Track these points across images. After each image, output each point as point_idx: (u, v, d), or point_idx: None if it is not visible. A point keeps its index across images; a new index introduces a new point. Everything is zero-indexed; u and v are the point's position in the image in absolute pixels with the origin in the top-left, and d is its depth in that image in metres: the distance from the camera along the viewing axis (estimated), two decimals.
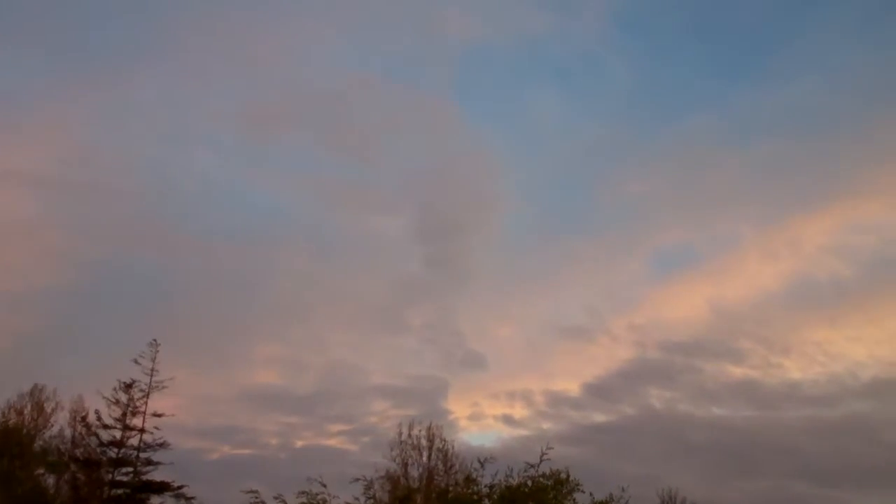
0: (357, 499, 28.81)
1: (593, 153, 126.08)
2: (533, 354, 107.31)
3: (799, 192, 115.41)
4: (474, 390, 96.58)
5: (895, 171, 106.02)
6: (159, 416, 51.63)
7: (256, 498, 27.67)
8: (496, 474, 29.51)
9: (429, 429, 56.50)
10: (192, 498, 50.69)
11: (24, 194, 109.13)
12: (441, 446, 55.36)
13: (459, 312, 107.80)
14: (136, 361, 51.53)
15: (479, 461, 30.02)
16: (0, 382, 62.34)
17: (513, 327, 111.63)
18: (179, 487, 50.84)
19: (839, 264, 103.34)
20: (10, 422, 58.95)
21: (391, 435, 57.21)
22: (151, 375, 51.85)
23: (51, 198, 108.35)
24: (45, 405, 60.80)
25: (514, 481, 29.18)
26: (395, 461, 55.14)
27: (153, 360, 51.95)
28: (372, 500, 29.30)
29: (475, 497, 29.86)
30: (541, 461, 29.28)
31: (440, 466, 54.56)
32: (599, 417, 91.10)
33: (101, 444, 51.51)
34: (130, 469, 51.10)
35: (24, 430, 58.50)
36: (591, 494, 29.79)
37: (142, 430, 51.40)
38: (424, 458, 55.29)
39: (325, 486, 27.49)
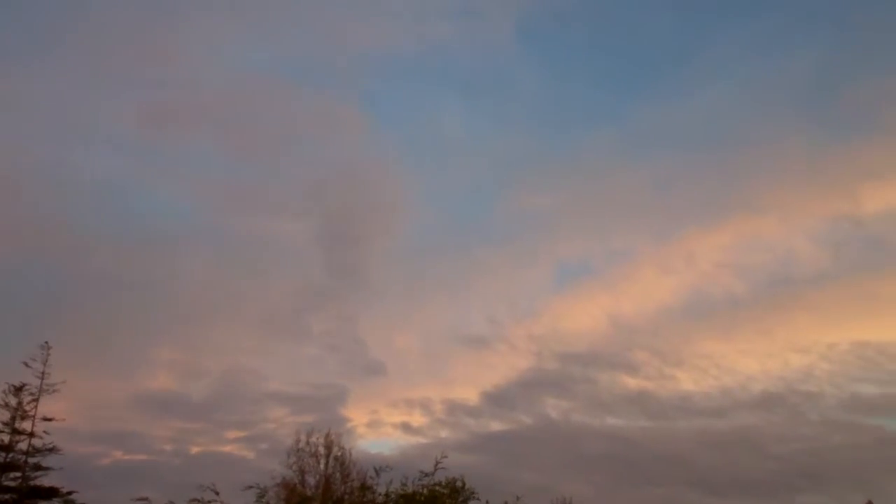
0: None
1: (498, 164, 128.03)
2: (433, 363, 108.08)
3: (695, 208, 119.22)
4: (373, 398, 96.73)
5: (789, 189, 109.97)
6: (49, 420, 50.58)
7: None
8: (391, 483, 29.74)
9: (327, 436, 56.21)
10: None
11: None
12: (339, 454, 55.13)
13: (361, 320, 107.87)
14: (26, 364, 50.34)
15: (375, 469, 30.21)
16: None
17: (414, 335, 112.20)
18: (69, 493, 49.89)
19: (733, 279, 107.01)
20: None
21: (289, 442, 56.72)
22: (42, 378, 50.71)
23: None
24: None
25: (410, 489, 29.42)
26: (291, 469, 54.67)
27: (44, 363, 50.85)
28: None
29: None
30: (435, 469, 29.67)
31: (337, 474, 54.35)
32: (497, 426, 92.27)
33: None
34: (18, 474, 49.75)
35: None
36: (486, 502, 30.31)
37: (31, 435, 50.14)
38: (322, 466, 55.00)
39: (217, 493, 27.32)
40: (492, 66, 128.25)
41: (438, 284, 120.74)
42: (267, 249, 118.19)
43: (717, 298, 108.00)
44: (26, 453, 49.89)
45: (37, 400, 50.39)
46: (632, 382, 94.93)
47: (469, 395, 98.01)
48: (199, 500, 27.12)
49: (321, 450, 55.54)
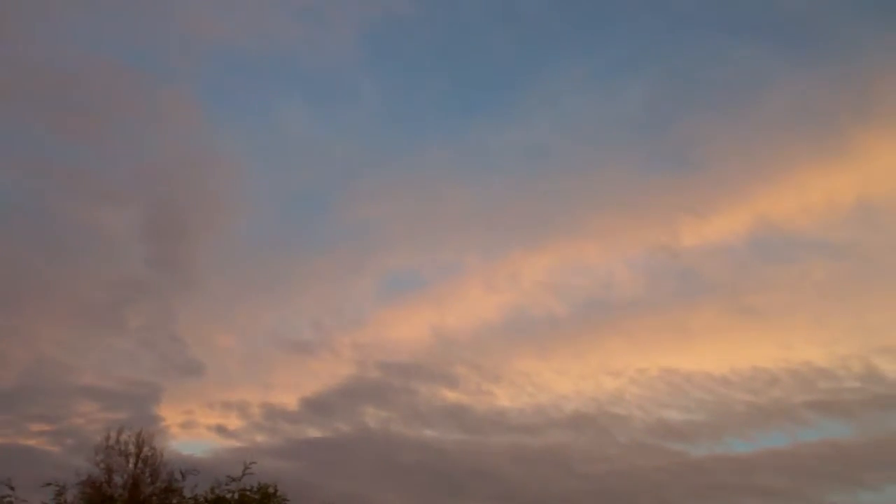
0: None
1: (335, 170, 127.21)
2: (254, 365, 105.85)
3: (522, 229, 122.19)
4: (189, 398, 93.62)
5: (612, 217, 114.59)
6: None
7: None
8: (196, 487, 29.24)
9: (138, 435, 53.97)
10: None
11: None
12: (149, 454, 53.35)
13: (181, 317, 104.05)
14: None
15: (181, 472, 29.63)
16: None
17: (236, 337, 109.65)
18: None
19: (554, 300, 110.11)
20: None
21: (98, 439, 54.42)
22: None
23: None
24: None
25: (218, 494, 28.95)
26: (99, 467, 52.47)
27: None
28: None
29: None
30: (243, 474, 29.39)
31: (147, 475, 52.59)
32: (314, 433, 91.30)
33: None
34: None
35: None
36: None
37: None
38: (131, 465, 53.01)
39: (12, 489, 25.99)
40: (335, 72, 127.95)
41: (266, 287, 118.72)
42: (87, 236, 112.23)
43: (537, 318, 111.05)
44: None
45: None
46: (451, 395, 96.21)
47: (288, 400, 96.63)
48: None
49: (131, 448, 53.57)
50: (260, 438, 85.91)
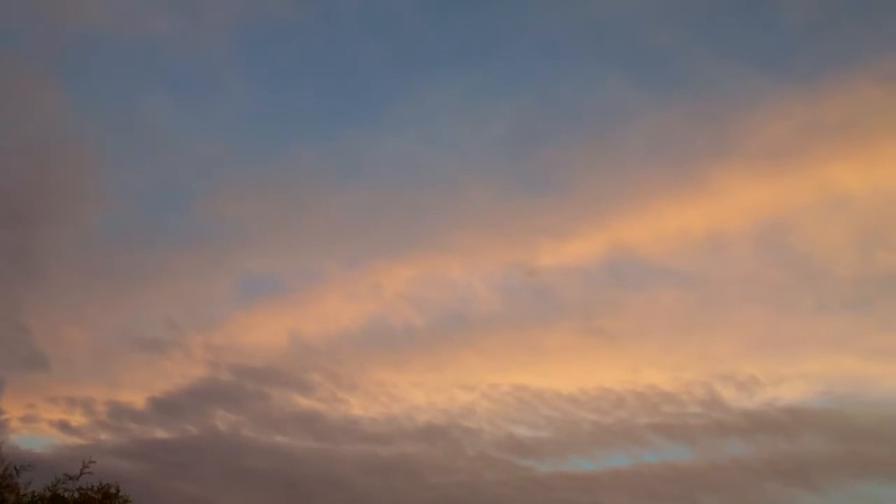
0: None
1: (200, 167, 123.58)
2: (102, 362, 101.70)
3: (386, 239, 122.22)
4: (32, 391, 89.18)
5: (473, 233, 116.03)
6: None
7: None
8: (30, 483, 27.78)
9: None
10: None
11: None
12: None
13: (27, 307, 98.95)
14: None
15: (15, 468, 28.04)
16: None
17: (85, 331, 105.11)
18: None
19: (413, 313, 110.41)
20: None
21: None
22: None
23: None
24: None
25: (55, 492, 27.59)
26: None
27: None
28: None
29: None
30: (81, 473, 28.19)
31: None
32: (162, 434, 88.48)
33: None
34: None
35: None
36: None
37: None
38: None
39: None
40: (206, 69, 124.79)
41: (120, 281, 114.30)
42: None
43: (396, 329, 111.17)
44: None
45: None
46: (304, 402, 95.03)
47: (136, 399, 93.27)
48: None
49: None
50: (105, 437, 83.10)
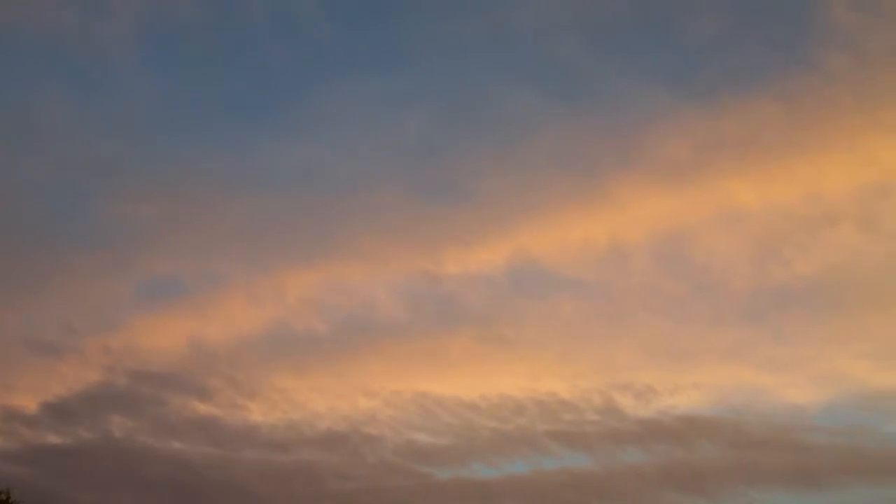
0: None
1: (102, 165, 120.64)
2: None
3: (291, 244, 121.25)
4: None
5: (378, 240, 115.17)
6: None
7: None
8: None
9: None
10: None
11: None
12: None
13: None
14: None
15: None
16: None
17: None
18: None
19: (315, 318, 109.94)
20: None
21: None
22: None
23: None
24: None
25: None
26: None
27: None
28: None
29: None
30: None
31: None
32: (55, 439, 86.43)
33: None
34: None
35: None
36: None
37: None
38: None
39: None
40: (109, 64, 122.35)
41: (12, 281, 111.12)
42: None
43: (298, 334, 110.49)
44: None
45: None
46: (202, 408, 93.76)
47: (28, 403, 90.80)
48: None
49: None
50: None
